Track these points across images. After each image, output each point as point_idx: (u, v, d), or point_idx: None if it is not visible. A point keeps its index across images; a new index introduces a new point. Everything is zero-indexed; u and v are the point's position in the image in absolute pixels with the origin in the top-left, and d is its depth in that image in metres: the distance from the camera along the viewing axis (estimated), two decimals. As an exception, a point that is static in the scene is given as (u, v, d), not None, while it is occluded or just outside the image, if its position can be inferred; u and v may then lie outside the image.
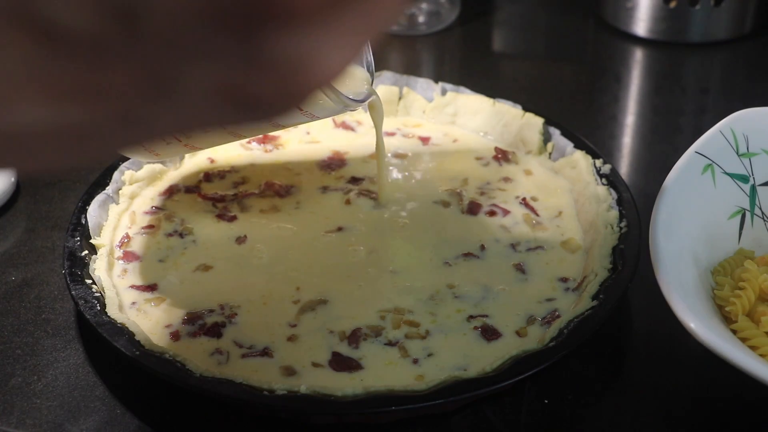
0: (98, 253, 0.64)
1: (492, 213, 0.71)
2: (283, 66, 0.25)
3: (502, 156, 0.76)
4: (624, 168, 0.81)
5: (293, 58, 0.25)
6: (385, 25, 0.27)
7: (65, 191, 0.76)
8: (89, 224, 0.66)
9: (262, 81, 0.26)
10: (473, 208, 0.71)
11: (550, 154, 0.75)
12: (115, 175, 0.71)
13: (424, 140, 0.78)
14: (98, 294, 0.60)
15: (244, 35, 0.25)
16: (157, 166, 0.73)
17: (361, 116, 0.80)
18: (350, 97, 0.57)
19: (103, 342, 0.57)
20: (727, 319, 0.58)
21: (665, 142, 0.86)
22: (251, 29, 0.25)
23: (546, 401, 0.58)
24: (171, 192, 0.72)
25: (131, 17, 0.24)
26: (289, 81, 0.26)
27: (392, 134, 0.79)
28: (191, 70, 0.25)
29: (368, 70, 0.64)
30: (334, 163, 0.76)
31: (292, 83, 0.26)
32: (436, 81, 0.81)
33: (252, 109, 0.27)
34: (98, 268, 0.63)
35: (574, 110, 0.90)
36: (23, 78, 0.25)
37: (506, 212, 0.71)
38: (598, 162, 0.71)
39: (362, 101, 0.61)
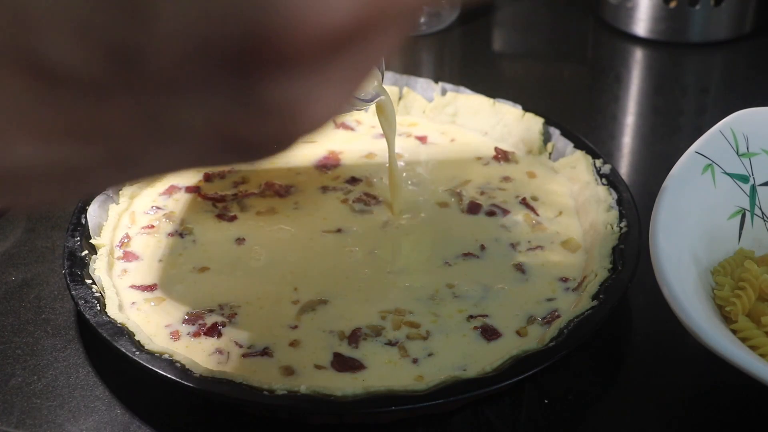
0: (98, 253, 0.64)
1: (492, 213, 0.71)
2: (276, 110, 0.25)
3: (502, 156, 0.76)
4: (624, 168, 0.81)
5: (286, 102, 0.25)
6: (375, 66, 0.27)
7: (65, 191, 0.75)
8: (89, 224, 0.66)
9: (254, 124, 0.26)
10: (473, 208, 0.71)
11: (550, 154, 0.75)
12: (115, 175, 0.71)
13: (422, 139, 0.78)
14: (98, 294, 0.60)
15: (239, 78, 0.25)
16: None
17: (361, 116, 0.80)
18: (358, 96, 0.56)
19: (103, 342, 0.57)
20: (727, 319, 0.58)
21: (665, 142, 0.86)
22: (247, 73, 0.24)
23: (546, 401, 0.58)
24: (171, 192, 0.72)
25: (130, 58, 0.24)
26: (280, 125, 0.26)
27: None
28: (185, 112, 0.25)
29: (378, 68, 0.63)
30: (330, 163, 0.76)
31: (284, 128, 0.26)
32: (436, 81, 0.81)
33: (242, 152, 0.27)
34: (98, 268, 0.63)
35: (574, 110, 0.90)
36: (17, 117, 0.25)
37: (506, 212, 0.71)
38: (598, 162, 0.71)
39: (370, 101, 0.61)
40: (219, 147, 0.26)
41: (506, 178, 0.74)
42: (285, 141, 0.27)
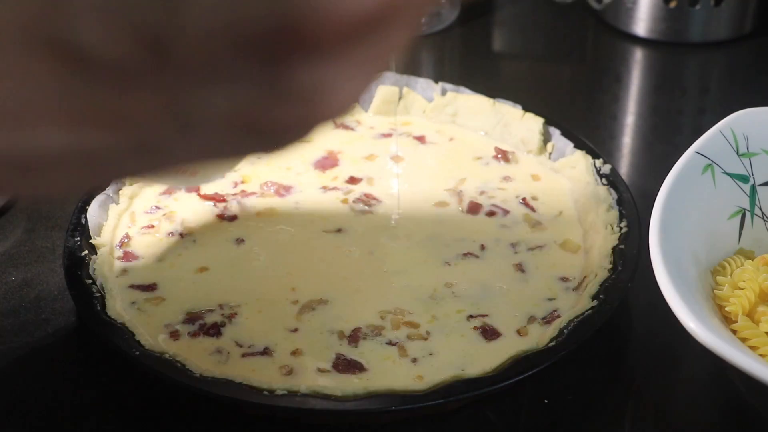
0: (98, 253, 0.64)
1: (492, 213, 0.71)
2: (301, 96, 0.26)
3: (502, 156, 0.76)
4: (624, 168, 0.81)
5: (311, 88, 0.26)
6: (395, 54, 0.27)
7: (65, 191, 0.75)
8: (89, 224, 0.66)
9: (279, 110, 0.26)
10: (473, 208, 0.71)
11: (550, 154, 0.75)
12: (115, 175, 0.71)
13: (421, 139, 0.78)
14: (98, 294, 0.60)
15: (266, 65, 0.25)
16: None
17: (361, 116, 0.80)
18: None
19: (103, 342, 0.57)
20: (727, 319, 0.58)
21: (665, 142, 0.86)
22: (274, 59, 0.25)
23: (546, 401, 0.58)
24: (171, 192, 0.72)
25: (159, 43, 0.24)
26: (304, 111, 0.26)
27: (388, 135, 0.79)
28: (212, 99, 0.26)
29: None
30: (329, 163, 0.76)
31: (307, 114, 0.26)
32: (436, 81, 0.81)
33: (264, 139, 0.27)
34: (98, 268, 0.63)
35: (574, 110, 0.90)
36: (46, 102, 0.25)
37: (506, 212, 0.71)
38: (598, 162, 0.72)
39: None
40: (241, 134, 0.27)
41: (506, 178, 0.74)
42: (306, 127, 0.27)
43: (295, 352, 0.58)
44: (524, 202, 0.71)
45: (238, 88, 0.25)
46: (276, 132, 0.27)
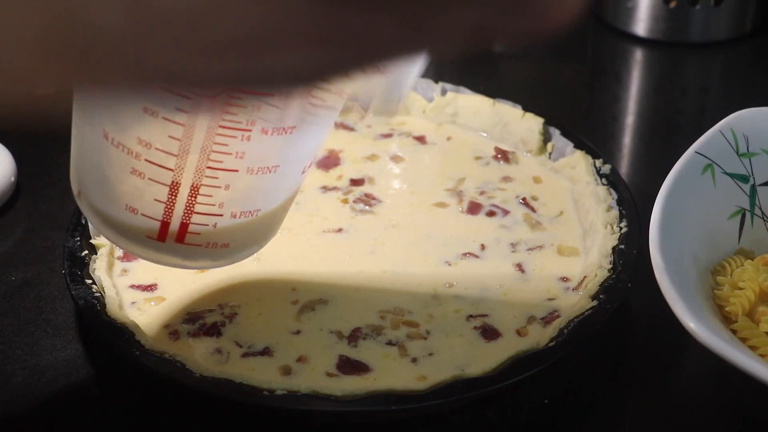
0: (98, 253, 0.64)
1: (492, 213, 0.71)
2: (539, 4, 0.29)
3: (501, 156, 0.76)
4: (624, 168, 0.81)
5: None
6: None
7: (65, 191, 0.75)
8: (89, 224, 0.66)
9: (516, 19, 0.29)
10: (473, 208, 0.71)
11: (550, 154, 0.75)
12: (115, 175, 0.71)
13: (420, 139, 0.78)
14: (98, 294, 0.60)
15: None
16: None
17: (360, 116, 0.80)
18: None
19: (103, 342, 0.57)
20: (727, 319, 0.58)
21: (665, 142, 0.86)
22: None
23: (546, 401, 0.58)
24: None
25: None
26: (541, 17, 0.29)
27: (388, 135, 0.79)
28: (449, 14, 0.28)
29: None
30: (330, 162, 0.76)
31: (545, 19, 0.29)
32: (436, 81, 0.81)
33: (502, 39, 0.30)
34: (98, 268, 0.63)
35: (574, 110, 0.90)
36: (294, 25, 0.27)
37: (506, 212, 0.71)
38: (598, 162, 0.72)
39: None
40: (474, 43, 0.30)
41: (506, 178, 0.74)
42: (544, 31, 0.30)
43: (294, 352, 0.58)
44: (524, 202, 0.71)
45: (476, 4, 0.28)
46: (515, 36, 0.30)
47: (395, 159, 0.76)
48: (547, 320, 0.61)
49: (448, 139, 0.78)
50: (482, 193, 0.73)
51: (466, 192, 0.73)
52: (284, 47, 0.27)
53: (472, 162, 0.76)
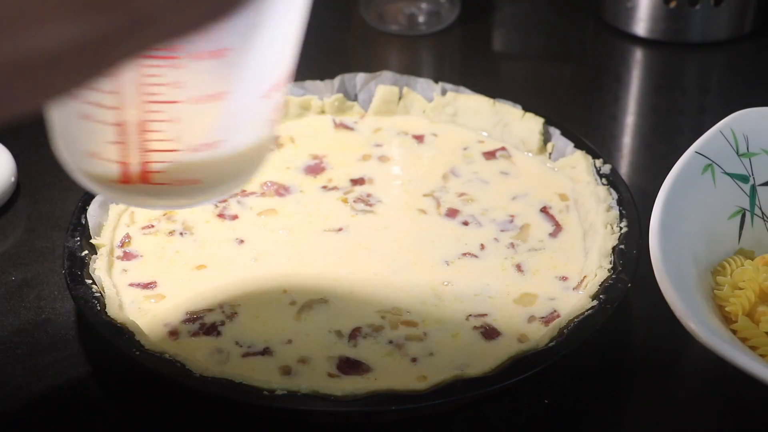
0: (98, 253, 0.64)
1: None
2: None
3: (501, 155, 0.76)
4: (624, 168, 0.81)
5: None
6: None
7: (65, 191, 0.75)
8: (89, 224, 0.66)
9: None
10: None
11: (550, 154, 0.75)
12: (115, 174, 0.71)
13: (420, 138, 0.78)
14: (98, 294, 0.60)
15: None
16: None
17: (360, 115, 0.80)
18: None
19: (103, 342, 0.57)
20: (727, 319, 0.58)
21: (665, 142, 0.86)
22: None
23: (546, 401, 0.58)
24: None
25: None
26: None
27: (388, 135, 0.79)
28: None
29: None
30: (330, 163, 0.75)
31: None
32: (436, 81, 0.81)
33: None
34: (98, 268, 0.63)
35: (574, 110, 0.90)
36: None
37: (506, 212, 0.70)
38: (598, 162, 0.72)
39: None
40: None
41: (505, 177, 0.74)
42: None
43: (294, 352, 0.58)
44: (524, 202, 0.71)
45: None
46: None
47: (395, 158, 0.76)
48: (547, 320, 0.61)
49: (449, 139, 0.78)
50: (481, 192, 0.72)
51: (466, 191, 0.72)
52: (41, 22, 0.28)
53: (472, 161, 0.76)
